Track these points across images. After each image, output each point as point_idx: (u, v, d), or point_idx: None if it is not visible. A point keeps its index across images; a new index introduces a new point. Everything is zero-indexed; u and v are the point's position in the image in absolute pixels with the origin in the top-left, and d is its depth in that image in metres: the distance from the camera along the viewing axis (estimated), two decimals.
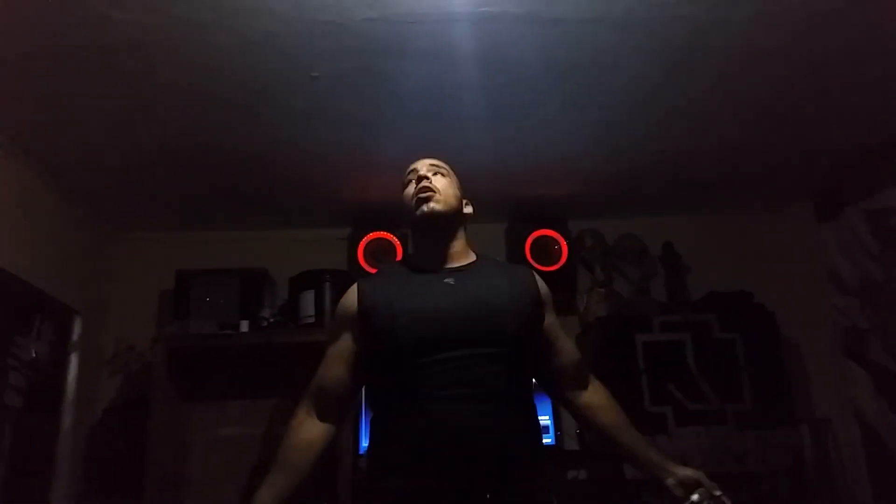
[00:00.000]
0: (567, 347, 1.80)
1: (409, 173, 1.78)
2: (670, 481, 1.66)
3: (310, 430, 1.68)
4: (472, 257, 1.77)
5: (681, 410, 3.02)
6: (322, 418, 1.68)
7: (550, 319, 1.77)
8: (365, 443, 2.88)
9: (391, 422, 1.60)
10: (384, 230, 3.30)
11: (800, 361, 3.38)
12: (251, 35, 2.08)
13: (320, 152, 2.82)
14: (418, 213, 1.70)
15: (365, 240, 3.31)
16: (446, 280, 1.67)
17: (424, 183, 1.71)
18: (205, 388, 3.20)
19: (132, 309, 3.30)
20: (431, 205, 1.69)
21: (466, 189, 1.88)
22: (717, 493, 1.61)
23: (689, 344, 3.10)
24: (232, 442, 3.16)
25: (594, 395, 1.78)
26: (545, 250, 3.39)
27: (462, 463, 1.50)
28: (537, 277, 1.79)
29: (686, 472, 1.66)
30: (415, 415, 1.54)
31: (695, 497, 1.61)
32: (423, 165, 1.77)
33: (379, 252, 3.29)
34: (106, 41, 2.07)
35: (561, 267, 3.35)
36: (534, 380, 1.76)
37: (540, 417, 2.90)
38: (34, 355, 2.67)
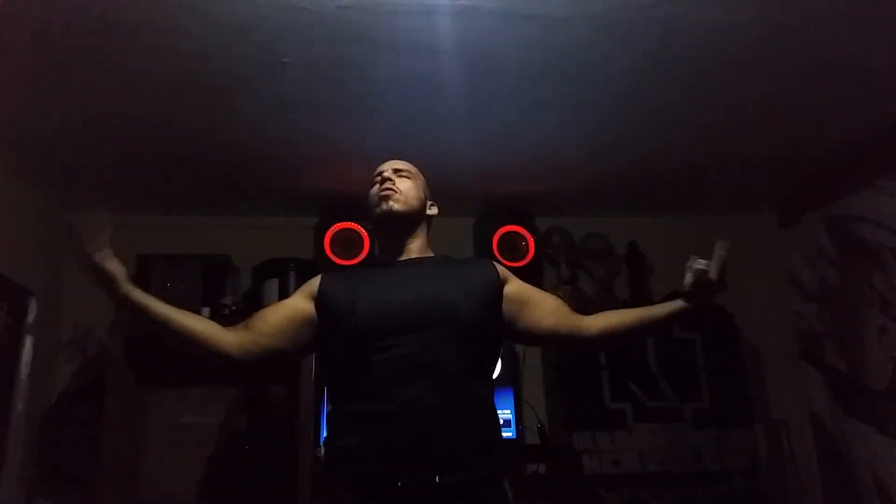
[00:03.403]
0: (546, 297, 1.84)
1: (375, 175, 1.85)
2: (688, 297, 1.73)
3: (221, 331, 1.69)
4: (431, 254, 1.85)
5: (640, 407, 3.06)
6: (234, 337, 1.69)
7: (515, 288, 1.80)
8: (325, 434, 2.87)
9: (346, 409, 1.64)
10: (352, 220, 3.27)
11: (758, 363, 3.44)
12: (224, 19, 2.04)
13: (290, 140, 2.79)
14: (378, 210, 1.79)
15: (332, 229, 3.27)
16: (403, 270, 1.76)
17: (387, 184, 1.80)
18: (163, 375, 3.13)
19: (90, 292, 3.21)
20: (391, 203, 1.77)
21: (437, 182, 1.95)
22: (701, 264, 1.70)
23: (649, 343, 3.15)
24: (190, 430, 3.10)
25: (595, 318, 1.79)
26: (512, 246, 3.39)
27: (413, 447, 1.53)
28: (495, 264, 1.84)
29: (687, 283, 1.72)
30: (369, 400, 1.58)
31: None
32: (388, 167, 1.85)
33: (345, 242, 3.26)
34: (74, 21, 2.02)
35: (527, 263, 3.36)
36: (498, 364, 1.83)
37: (501, 411, 3.01)
38: None
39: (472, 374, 1.65)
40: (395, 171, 1.84)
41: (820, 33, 2.20)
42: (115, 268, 1.60)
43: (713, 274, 1.69)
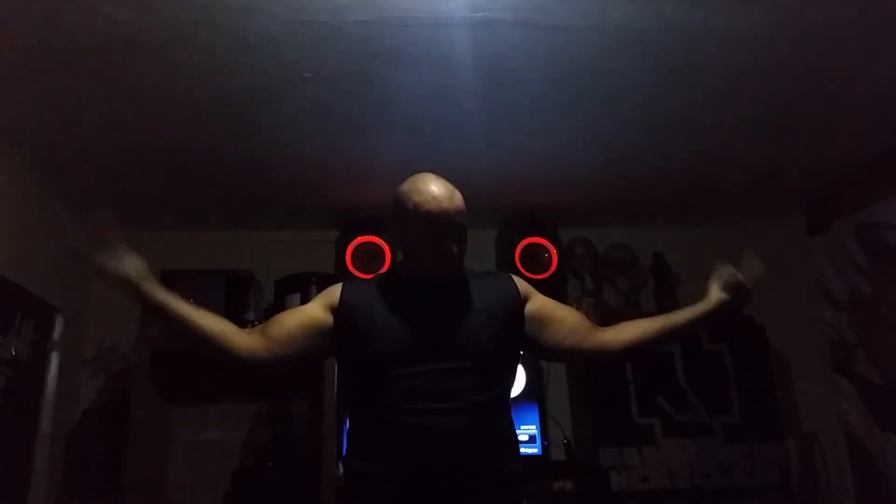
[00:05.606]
0: (567, 314, 1.80)
1: (428, 219, 1.61)
2: (714, 298, 1.76)
3: (236, 334, 1.69)
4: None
5: (668, 422, 3.01)
6: (247, 342, 1.69)
7: (536, 306, 1.76)
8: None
9: (366, 431, 1.65)
10: (373, 234, 3.26)
11: (788, 375, 3.37)
12: (245, 35, 2.06)
13: (311, 154, 2.79)
14: (434, 271, 1.69)
15: (353, 244, 3.27)
16: (423, 293, 1.70)
17: (450, 252, 1.64)
18: (187, 391, 3.14)
19: (114, 308, 3.22)
20: (447, 268, 1.68)
21: None
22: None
23: (677, 355, 3.10)
24: (213, 446, 3.11)
25: (617, 332, 1.77)
26: (535, 258, 3.36)
27: (433, 475, 1.53)
28: (516, 279, 1.80)
29: (714, 288, 1.77)
30: (388, 425, 1.58)
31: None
32: (448, 227, 1.63)
33: (367, 256, 3.25)
34: (99, 39, 2.04)
35: (550, 275, 3.32)
36: (514, 387, 1.78)
37: (526, 426, 2.97)
38: (14, 354, 2.62)
39: (491, 401, 1.64)
40: (456, 226, 1.63)
41: (842, 40, 2.17)
42: (131, 268, 1.64)
43: (749, 283, 1.72)
